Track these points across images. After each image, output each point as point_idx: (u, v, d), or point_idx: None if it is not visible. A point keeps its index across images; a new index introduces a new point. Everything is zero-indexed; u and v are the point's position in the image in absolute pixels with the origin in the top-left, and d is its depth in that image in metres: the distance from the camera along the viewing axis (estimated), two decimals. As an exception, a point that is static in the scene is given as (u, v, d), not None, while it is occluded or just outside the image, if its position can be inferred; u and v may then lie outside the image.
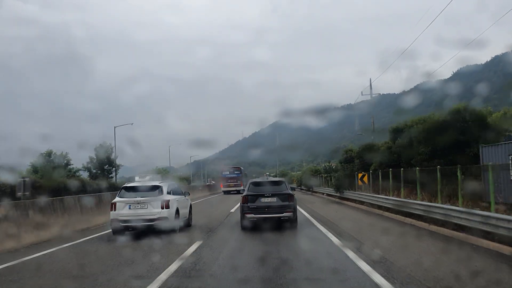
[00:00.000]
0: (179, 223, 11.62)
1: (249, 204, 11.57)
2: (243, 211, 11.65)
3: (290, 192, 12.01)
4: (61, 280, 6.34)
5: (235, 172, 40.06)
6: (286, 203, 11.62)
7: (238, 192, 32.24)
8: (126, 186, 11.69)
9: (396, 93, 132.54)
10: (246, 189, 12.58)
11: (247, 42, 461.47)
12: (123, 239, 10.50)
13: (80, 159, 47.31)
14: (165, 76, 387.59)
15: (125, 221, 10.78)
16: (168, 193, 11.53)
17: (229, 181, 39.70)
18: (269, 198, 11.73)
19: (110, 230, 11.29)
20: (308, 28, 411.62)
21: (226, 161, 76.75)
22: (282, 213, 11.47)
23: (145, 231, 10.90)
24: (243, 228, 11.56)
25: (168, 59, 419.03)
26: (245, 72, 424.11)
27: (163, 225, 10.70)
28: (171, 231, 10.91)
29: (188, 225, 12.77)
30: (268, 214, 11.43)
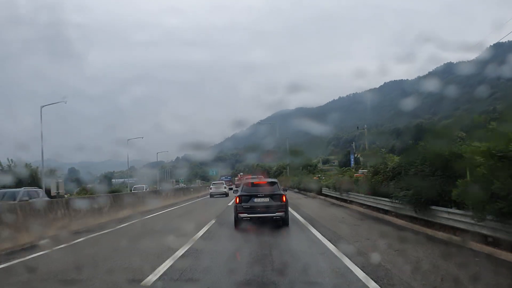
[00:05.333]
0: (227, 193, 35.54)
1: (243, 204, 12.15)
2: (237, 210, 12.24)
3: (282, 192, 12.58)
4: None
5: (228, 177, 65.96)
6: (279, 203, 12.09)
7: (231, 189, 41.49)
8: (214, 182, 37.16)
9: (409, 79, 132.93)
10: (239, 189, 13.17)
11: (244, 42, 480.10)
12: (213, 198, 34.10)
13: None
14: (163, 76, 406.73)
15: (214, 193, 35.38)
16: (227, 184, 37.09)
17: (225, 183, 61.90)
18: (262, 198, 12.14)
19: (209, 195, 35.83)
20: (305, 18, 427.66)
21: (218, 163, 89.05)
22: (275, 213, 11.97)
23: (219, 197, 34.59)
24: (237, 227, 12.25)
25: (166, 59, 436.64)
26: (242, 72, 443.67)
27: (224, 194, 35.13)
28: (226, 196, 34.44)
29: (227, 195, 35.44)
30: (261, 213, 12.01)
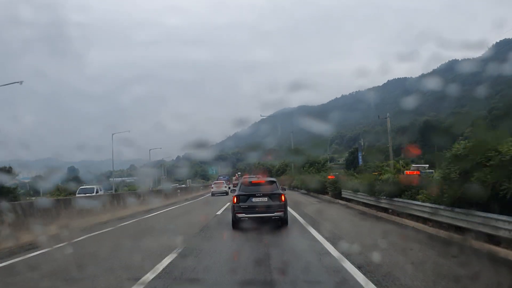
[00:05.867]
0: (227, 192, 34.48)
1: (240, 204, 11.77)
2: (235, 210, 11.86)
3: (281, 192, 12.25)
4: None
5: (226, 177, 64.09)
6: (277, 202, 11.75)
7: (229, 188, 44.94)
8: (215, 182, 36.81)
9: (413, 77, 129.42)
10: (237, 188, 12.89)
11: (245, 41, 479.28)
12: (214, 197, 33.22)
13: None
14: (164, 75, 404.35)
15: (215, 191, 35.29)
16: (226, 183, 35.22)
17: (223, 182, 65.78)
18: (260, 198, 11.82)
19: (210, 194, 35.65)
20: (306, 17, 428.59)
21: (219, 162, 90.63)
22: (273, 213, 11.62)
23: (220, 196, 33.73)
24: (234, 228, 11.81)
25: (167, 58, 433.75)
26: (244, 70, 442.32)
27: (225, 193, 34.44)
28: (226, 195, 33.29)
29: (227, 193, 34.47)
30: (259, 213, 11.66)
